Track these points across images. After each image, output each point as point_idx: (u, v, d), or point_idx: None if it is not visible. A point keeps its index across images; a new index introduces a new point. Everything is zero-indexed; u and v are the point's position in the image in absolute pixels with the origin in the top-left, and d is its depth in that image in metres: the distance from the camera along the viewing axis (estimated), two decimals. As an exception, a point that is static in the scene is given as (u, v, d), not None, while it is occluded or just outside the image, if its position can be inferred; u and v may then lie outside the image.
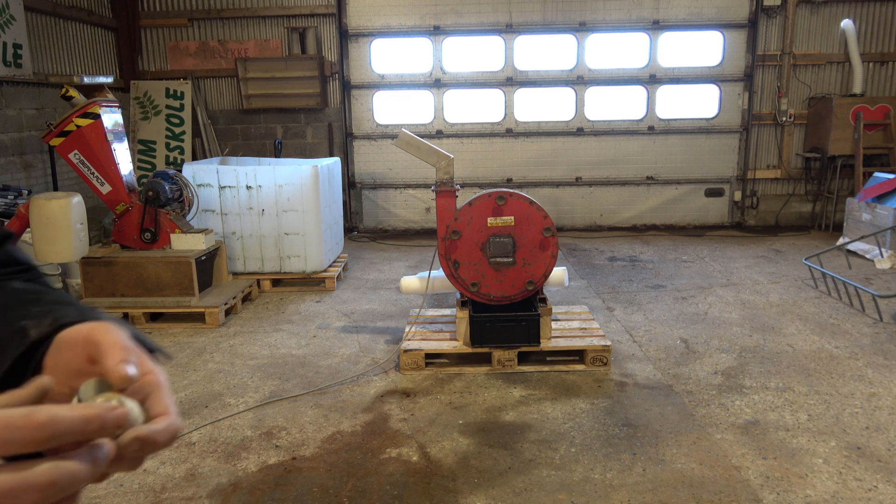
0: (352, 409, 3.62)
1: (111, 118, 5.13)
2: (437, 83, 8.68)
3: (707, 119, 8.79)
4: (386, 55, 8.70)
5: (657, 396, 3.71)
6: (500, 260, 4.03)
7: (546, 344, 4.14)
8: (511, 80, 8.68)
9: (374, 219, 9.06)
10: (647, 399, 3.68)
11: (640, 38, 8.57)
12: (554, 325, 4.41)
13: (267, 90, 8.43)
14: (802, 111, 8.62)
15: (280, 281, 6.19)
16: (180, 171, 5.70)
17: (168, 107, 8.49)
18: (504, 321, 4.08)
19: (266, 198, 5.89)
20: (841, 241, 7.18)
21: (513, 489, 2.82)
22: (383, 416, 3.54)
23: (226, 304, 5.26)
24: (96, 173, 5.10)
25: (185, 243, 5.32)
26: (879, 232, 6.40)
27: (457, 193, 4.18)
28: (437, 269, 4.34)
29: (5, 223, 4.82)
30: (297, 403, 3.72)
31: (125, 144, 5.33)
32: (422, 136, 4.50)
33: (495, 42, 8.63)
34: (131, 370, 0.51)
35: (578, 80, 8.67)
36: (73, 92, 4.95)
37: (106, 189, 5.17)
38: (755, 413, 3.49)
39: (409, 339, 4.29)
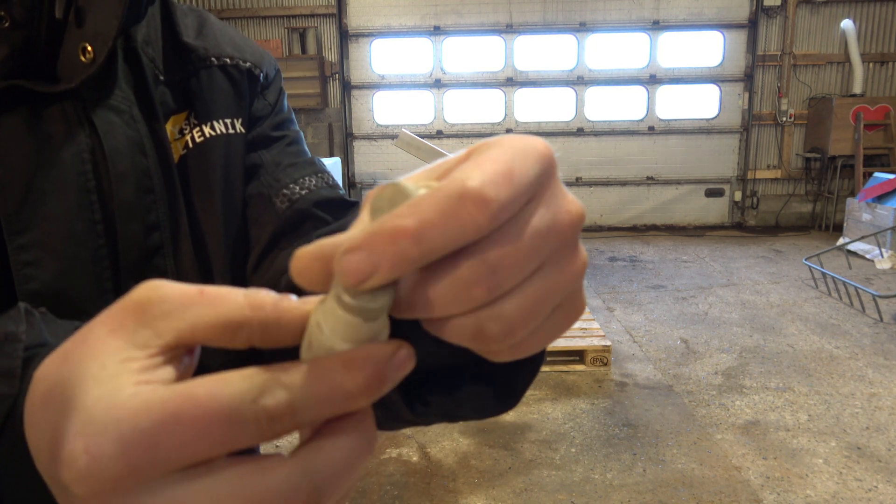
0: (352, 410, 3.61)
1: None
2: (438, 83, 8.68)
3: (707, 119, 8.79)
4: (386, 55, 8.70)
5: (657, 397, 3.71)
6: (500, 260, 4.02)
7: (546, 344, 4.13)
8: (511, 81, 8.68)
9: (375, 219, 9.06)
10: (647, 399, 3.68)
11: (640, 39, 8.57)
12: (554, 325, 4.41)
13: (267, 90, 8.43)
14: (802, 111, 8.62)
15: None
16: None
17: (168, 107, 8.50)
18: (504, 321, 4.07)
19: (266, 198, 5.89)
20: (841, 241, 7.18)
21: (513, 489, 2.82)
22: (383, 416, 3.54)
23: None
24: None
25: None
26: (880, 232, 6.39)
27: (457, 194, 4.18)
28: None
29: None
30: (298, 404, 3.72)
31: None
32: (422, 137, 4.51)
33: (495, 42, 8.63)
34: None
35: (578, 80, 8.67)
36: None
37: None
38: (755, 413, 3.49)
39: (409, 340, 4.28)
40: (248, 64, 0.65)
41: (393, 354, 0.25)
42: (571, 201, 0.28)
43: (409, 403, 0.45)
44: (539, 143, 0.27)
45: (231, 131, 0.63)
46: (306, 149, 0.71)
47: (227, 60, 0.63)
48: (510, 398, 0.43)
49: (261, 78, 0.66)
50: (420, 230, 0.23)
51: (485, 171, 0.24)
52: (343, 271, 0.23)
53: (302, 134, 0.72)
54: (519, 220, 0.26)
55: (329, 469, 0.26)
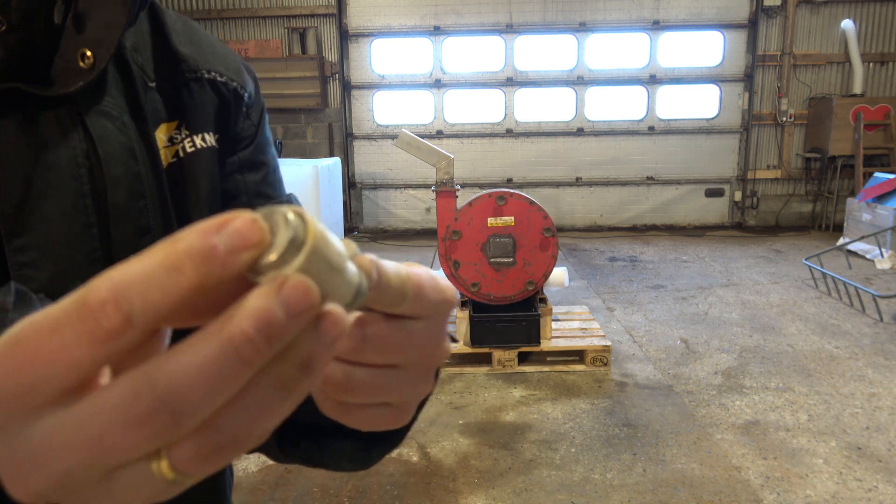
0: (352, 410, 3.61)
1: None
2: (438, 83, 8.68)
3: (707, 119, 8.78)
4: (386, 55, 8.70)
5: (657, 396, 3.71)
6: (500, 260, 4.03)
7: (546, 344, 4.14)
8: (511, 81, 8.68)
9: (375, 219, 9.06)
10: (647, 399, 3.68)
11: (641, 39, 8.57)
12: (554, 325, 4.41)
13: (267, 90, 8.37)
14: (803, 111, 8.62)
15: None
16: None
17: (168, 107, 8.50)
18: (504, 321, 4.08)
19: (266, 198, 5.89)
20: (841, 241, 7.18)
21: (513, 489, 2.82)
22: (383, 416, 3.54)
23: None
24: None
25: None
26: (880, 232, 6.39)
27: (457, 194, 4.18)
28: (437, 270, 4.35)
29: None
30: (298, 404, 3.71)
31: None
32: (422, 137, 4.50)
33: (495, 42, 8.63)
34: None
35: (578, 80, 8.67)
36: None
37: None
38: (755, 413, 3.49)
39: (409, 340, 4.28)
40: (235, 84, 0.66)
41: (223, 224, 0.23)
42: (447, 344, 0.34)
43: (279, 441, 0.52)
44: (451, 292, 0.32)
45: (214, 145, 0.65)
46: (282, 176, 0.76)
47: (218, 77, 0.65)
48: (365, 462, 0.53)
49: (245, 97, 0.68)
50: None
51: (410, 274, 0.29)
52: (367, 264, 0.28)
53: (278, 159, 0.75)
54: (407, 322, 0.30)
55: (180, 377, 0.22)
